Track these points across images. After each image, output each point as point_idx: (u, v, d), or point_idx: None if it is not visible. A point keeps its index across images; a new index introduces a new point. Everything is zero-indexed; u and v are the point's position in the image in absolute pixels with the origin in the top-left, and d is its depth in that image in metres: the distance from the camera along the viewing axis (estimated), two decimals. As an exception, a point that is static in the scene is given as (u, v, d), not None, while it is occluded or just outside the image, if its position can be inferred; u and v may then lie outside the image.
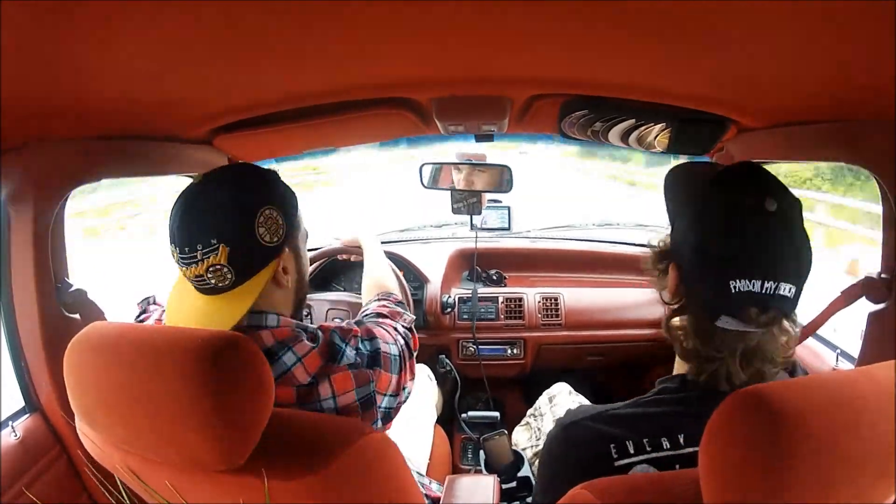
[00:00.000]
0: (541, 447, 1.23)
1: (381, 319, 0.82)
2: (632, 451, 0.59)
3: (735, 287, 0.55)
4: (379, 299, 0.94)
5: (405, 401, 0.77)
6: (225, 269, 0.64)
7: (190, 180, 1.22)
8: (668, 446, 0.58)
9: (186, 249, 0.63)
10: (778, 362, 0.60)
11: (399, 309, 0.89)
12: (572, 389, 1.42)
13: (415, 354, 0.82)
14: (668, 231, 0.68)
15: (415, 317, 0.95)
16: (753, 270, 0.55)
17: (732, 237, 0.57)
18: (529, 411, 1.43)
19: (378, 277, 1.07)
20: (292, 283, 0.74)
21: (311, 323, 0.82)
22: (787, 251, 0.57)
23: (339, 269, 1.73)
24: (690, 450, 0.58)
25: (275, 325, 0.68)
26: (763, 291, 0.55)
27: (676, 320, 0.64)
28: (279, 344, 0.66)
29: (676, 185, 0.71)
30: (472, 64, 0.76)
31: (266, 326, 0.68)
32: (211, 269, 0.63)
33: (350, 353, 0.69)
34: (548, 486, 0.67)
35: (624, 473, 0.58)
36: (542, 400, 1.42)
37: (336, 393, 0.66)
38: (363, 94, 0.94)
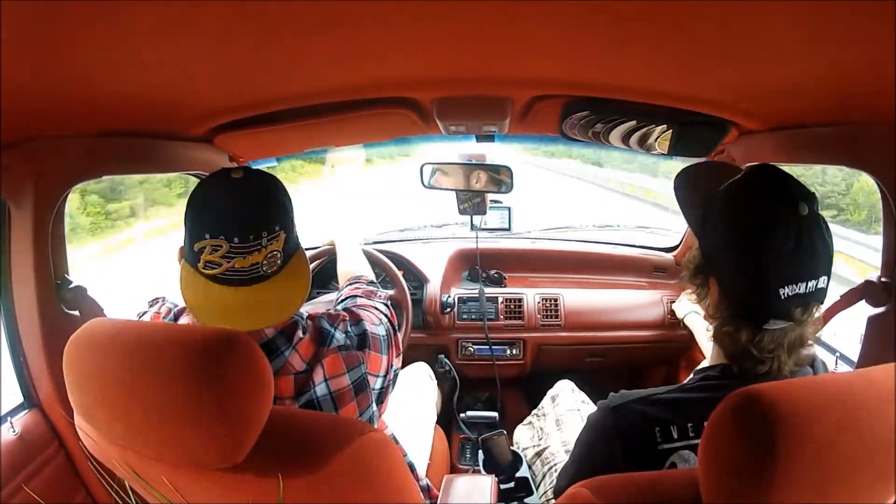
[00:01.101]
0: (542, 447, 1.23)
1: (360, 301, 0.85)
2: (675, 436, 0.60)
3: (784, 294, 0.58)
4: (350, 283, 0.97)
5: (395, 379, 0.79)
6: (279, 255, 0.66)
7: (191, 179, 1.23)
8: None
9: (251, 237, 0.63)
10: (812, 343, 0.64)
11: (371, 288, 0.93)
12: (575, 387, 1.43)
13: (397, 330, 0.84)
14: (696, 244, 0.69)
15: (389, 292, 0.96)
16: (800, 275, 0.58)
17: (775, 248, 0.58)
18: (534, 411, 1.43)
19: (349, 268, 1.11)
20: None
21: None
22: (822, 249, 0.60)
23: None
24: None
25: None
26: (807, 291, 0.59)
27: (726, 328, 0.65)
28: (279, 335, 0.68)
29: (693, 191, 0.72)
30: (473, 64, 0.76)
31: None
32: (270, 255, 0.65)
33: (339, 336, 0.71)
34: (584, 462, 0.69)
35: (665, 458, 0.60)
36: (546, 400, 1.42)
37: (328, 376, 0.68)
38: (364, 94, 0.94)
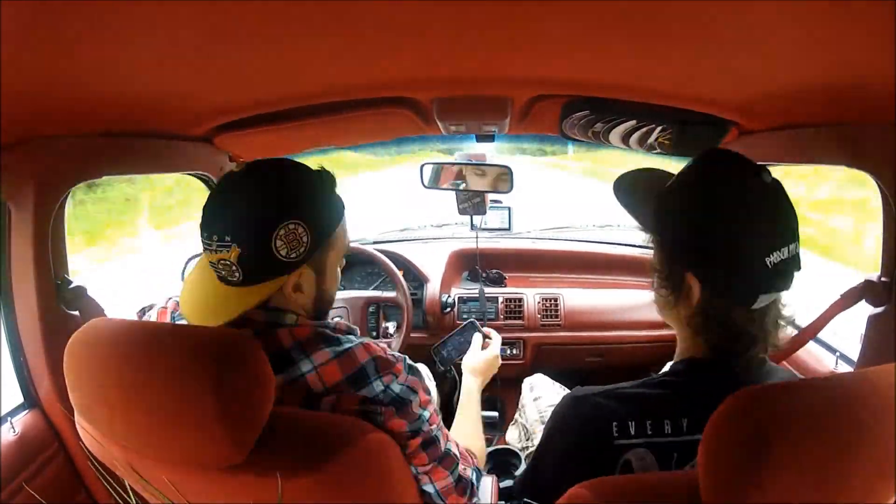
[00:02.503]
0: (529, 447, 1.23)
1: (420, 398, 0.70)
2: (632, 432, 0.59)
3: (770, 262, 0.57)
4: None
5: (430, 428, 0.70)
6: (234, 268, 0.62)
7: (190, 179, 1.23)
8: (670, 431, 0.59)
9: (205, 235, 0.63)
10: (791, 319, 0.64)
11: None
12: (552, 381, 1.42)
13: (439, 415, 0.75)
14: (655, 247, 0.67)
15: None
16: (782, 239, 0.58)
17: (755, 215, 0.58)
18: (518, 408, 1.43)
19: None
20: (308, 300, 0.69)
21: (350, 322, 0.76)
22: (790, 213, 0.60)
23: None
24: (692, 438, 0.58)
25: (293, 323, 0.66)
26: (790, 255, 0.58)
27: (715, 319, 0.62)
28: (298, 347, 0.64)
29: (635, 194, 0.70)
30: (473, 64, 0.76)
31: (285, 324, 0.66)
32: (221, 262, 0.63)
33: (377, 386, 0.64)
34: (544, 451, 0.68)
35: (621, 454, 0.59)
36: (525, 392, 1.41)
37: (340, 410, 0.63)
38: (364, 94, 0.94)
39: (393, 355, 0.68)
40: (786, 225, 0.59)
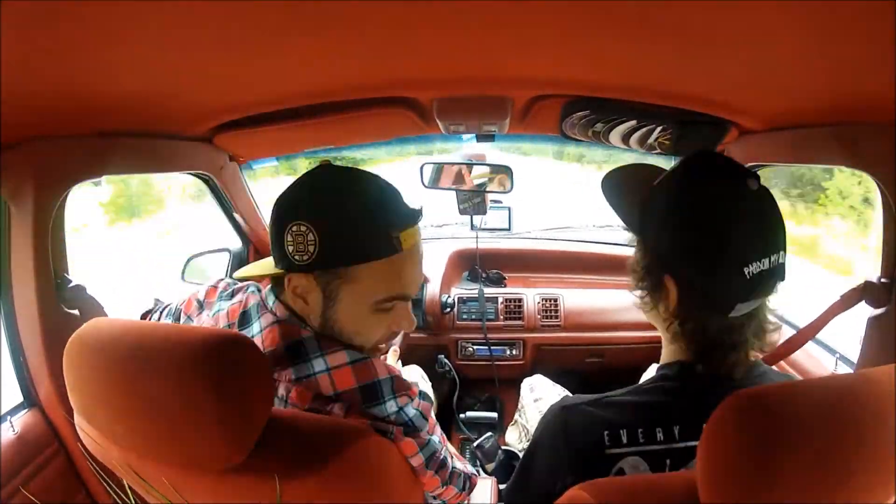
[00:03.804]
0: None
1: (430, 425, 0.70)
2: (624, 441, 0.58)
3: (749, 272, 0.56)
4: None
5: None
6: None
7: (191, 179, 1.23)
8: (662, 438, 0.58)
9: None
10: (771, 323, 0.62)
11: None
12: (552, 382, 1.42)
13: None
14: (637, 246, 0.66)
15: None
16: (763, 250, 0.56)
17: (735, 224, 0.56)
18: (517, 409, 1.43)
19: None
20: (313, 315, 0.65)
21: None
22: (777, 223, 0.58)
23: None
24: (684, 444, 0.58)
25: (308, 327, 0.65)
26: (771, 266, 0.57)
27: (689, 324, 0.61)
28: (312, 342, 0.62)
29: (623, 192, 0.69)
30: (473, 64, 0.76)
31: (304, 326, 0.65)
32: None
33: (390, 406, 0.61)
34: (531, 463, 0.67)
35: (613, 463, 0.58)
36: (524, 393, 1.41)
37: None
38: (364, 94, 0.94)
39: (407, 380, 0.65)
40: (769, 235, 0.57)
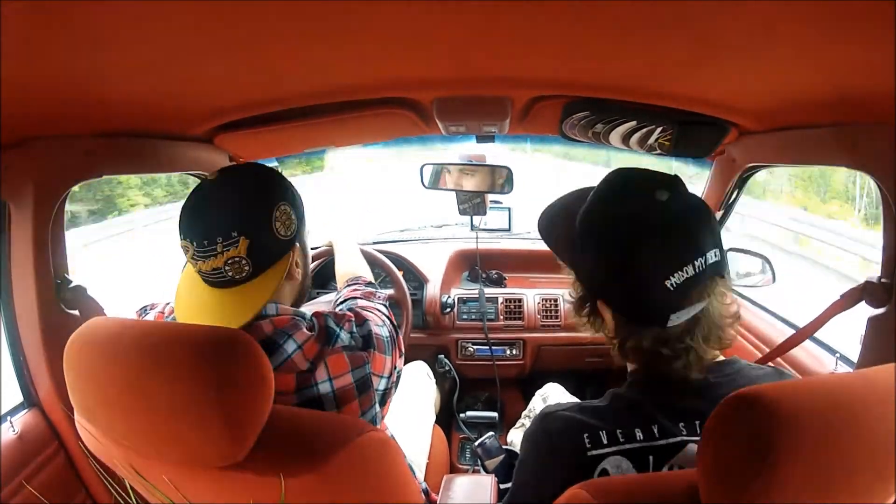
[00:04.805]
0: None
1: (360, 303, 0.85)
2: (605, 442, 0.59)
3: (672, 284, 0.56)
4: (349, 284, 0.99)
5: (398, 380, 0.79)
6: (243, 262, 0.66)
7: (191, 179, 1.23)
8: (642, 437, 0.59)
9: (206, 242, 0.65)
10: (728, 318, 0.62)
11: (370, 289, 0.93)
12: (565, 390, 1.42)
13: (398, 331, 0.84)
14: (574, 275, 0.68)
15: (388, 292, 0.95)
16: (681, 259, 0.56)
17: (644, 243, 0.57)
18: (524, 412, 1.43)
19: (348, 269, 1.12)
20: (301, 276, 0.77)
21: None
22: (696, 224, 0.58)
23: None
24: (665, 441, 0.58)
25: (274, 313, 0.69)
26: (697, 272, 0.56)
27: (629, 342, 0.63)
28: (279, 332, 0.67)
29: (555, 227, 0.71)
30: (473, 64, 0.76)
31: (266, 316, 0.69)
32: (230, 261, 0.66)
33: (344, 335, 0.71)
34: (520, 473, 0.68)
35: (596, 464, 0.58)
36: (536, 401, 1.42)
37: (332, 375, 0.67)
38: (364, 94, 0.94)
39: (339, 309, 0.80)
40: (686, 243, 0.57)
